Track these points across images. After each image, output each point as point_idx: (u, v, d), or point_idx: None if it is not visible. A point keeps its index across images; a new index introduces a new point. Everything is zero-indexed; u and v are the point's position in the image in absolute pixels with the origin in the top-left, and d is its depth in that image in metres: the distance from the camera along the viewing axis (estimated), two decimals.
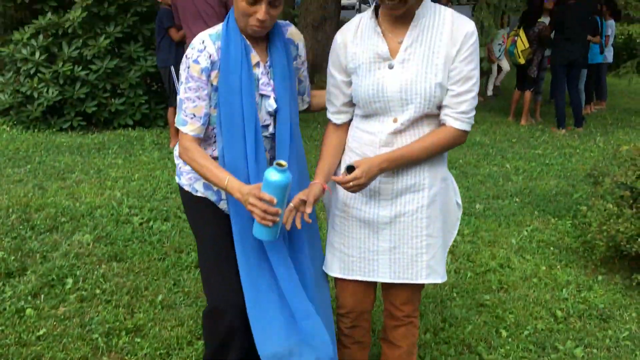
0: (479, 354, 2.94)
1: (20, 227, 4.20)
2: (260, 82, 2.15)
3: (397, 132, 2.05)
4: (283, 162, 1.90)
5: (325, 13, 9.68)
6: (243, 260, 2.15)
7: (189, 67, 2.07)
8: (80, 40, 7.39)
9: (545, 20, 8.69)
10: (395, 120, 2.05)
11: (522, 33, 8.27)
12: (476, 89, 2.02)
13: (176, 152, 2.27)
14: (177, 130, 2.18)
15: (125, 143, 6.80)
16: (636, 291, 3.63)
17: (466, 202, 5.14)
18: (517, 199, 5.33)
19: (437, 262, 2.18)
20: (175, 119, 2.14)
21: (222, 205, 2.29)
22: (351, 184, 1.97)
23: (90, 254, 3.86)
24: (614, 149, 5.07)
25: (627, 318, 3.34)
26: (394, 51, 2.03)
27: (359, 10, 11.44)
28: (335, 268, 2.28)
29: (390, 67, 2.02)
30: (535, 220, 4.81)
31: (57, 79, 7.30)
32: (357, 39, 2.08)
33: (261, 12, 2.00)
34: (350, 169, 1.99)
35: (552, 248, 4.27)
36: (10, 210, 4.48)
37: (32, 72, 7.28)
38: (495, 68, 11.07)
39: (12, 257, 3.71)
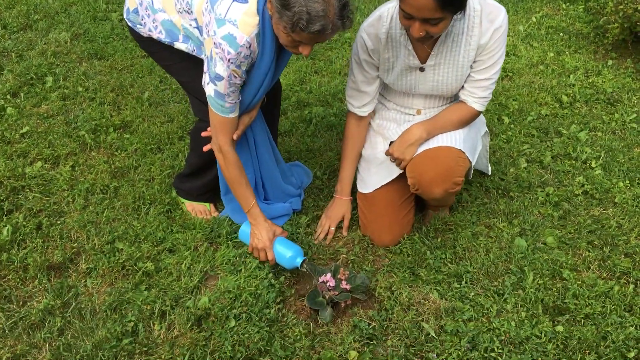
0: None
1: None
2: None
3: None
4: (305, 264, 2.05)
5: None
6: None
7: (231, 69, 1.82)
8: None
9: None
10: (418, 112, 2.24)
11: None
12: (497, 76, 2.09)
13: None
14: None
15: None
16: None
17: None
18: None
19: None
20: (213, 107, 1.94)
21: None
22: (402, 164, 2.13)
23: (69, 52, 3.61)
24: None
25: (635, 101, 3.20)
26: (424, 57, 2.07)
27: None
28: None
29: (422, 70, 2.09)
30: (546, 6, 4.47)
31: None
32: (389, 45, 2.07)
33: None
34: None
35: (561, 34, 4.00)
36: None
37: None
38: None
39: None
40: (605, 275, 2.12)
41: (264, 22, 1.80)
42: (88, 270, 2.11)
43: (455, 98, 2.22)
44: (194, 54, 2.03)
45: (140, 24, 2.07)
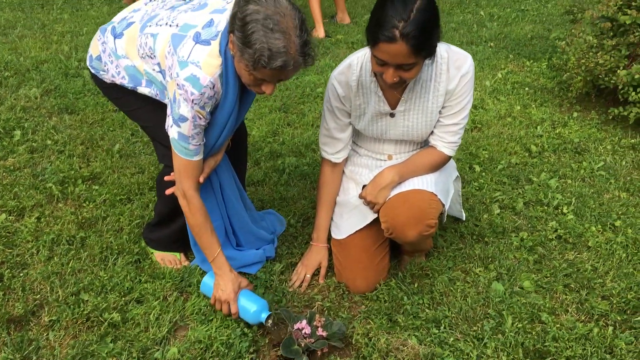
0: None
1: None
2: None
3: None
4: (271, 320, 1.96)
5: None
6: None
7: (195, 109, 1.80)
8: None
9: None
10: (390, 157, 2.25)
11: None
12: (465, 121, 2.13)
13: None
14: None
15: (70, 2, 6.24)
16: (611, 125, 3.55)
17: None
18: (491, 44, 5.10)
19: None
20: (177, 150, 1.90)
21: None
22: (375, 208, 2.14)
23: (38, 107, 3.58)
24: None
25: (602, 150, 3.27)
26: (394, 103, 2.10)
27: None
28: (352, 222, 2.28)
29: (392, 116, 2.12)
30: (510, 64, 4.62)
31: None
32: (359, 92, 2.11)
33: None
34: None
35: (526, 88, 4.12)
36: None
37: None
38: None
39: None
40: (583, 318, 2.09)
41: (226, 63, 1.80)
42: (50, 323, 2.00)
43: (425, 143, 2.24)
44: (157, 98, 2.02)
45: (104, 70, 2.06)
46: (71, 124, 3.40)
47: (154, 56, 1.89)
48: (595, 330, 2.00)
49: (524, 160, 3.16)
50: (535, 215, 2.67)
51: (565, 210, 2.69)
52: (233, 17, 1.70)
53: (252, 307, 1.97)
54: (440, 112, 2.11)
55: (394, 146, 2.24)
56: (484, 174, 3.02)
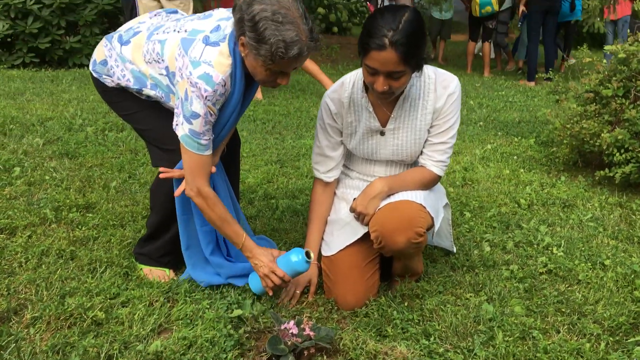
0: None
1: None
2: None
3: None
4: (312, 254, 2.10)
5: None
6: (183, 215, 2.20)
7: (207, 106, 1.92)
8: None
9: None
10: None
11: None
12: (453, 140, 2.21)
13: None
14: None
15: (80, 77, 6.53)
16: (598, 187, 3.63)
17: None
18: (481, 124, 5.31)
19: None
20: (188, 147, 1.97)
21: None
22: (365, 219, 2.15)
23: (40, 152, 3.67)
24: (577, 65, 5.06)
25: (590, 206, 3.33)
26: (384, 121, 2.19)
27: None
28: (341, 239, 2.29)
29: (382, 134, 2.21)
30: (499, 139, 4.79)
31: (7, 12, 6.96)
32: (351, 109, 2.21)
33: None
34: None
35: (515, 157, 4.26)
36: None
37: None
38: None
39: None
40: (575, 337, 2.05)
41: (235, 63, 1.92)
42: (33, 320, 1.95)
43: (414, 165, 2.31)
44: (161, 100, 2.11)
45: (107, 74, 2.17)
46: (70, 167, 3.46)
47: (162, 60, 2.00)
48: (587, 345, 1.96)
49: (514, 210, 3.22)
50: (526, 254, 2.68)
51: (555, 251, 2.71)
52: (240, 20, 1.84)
53: (291, 257, 2.08)
54: (428, 131, 2.20)
55: (384, 168, 2.30)
56: (474, 219, 3.06)
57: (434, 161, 2.22)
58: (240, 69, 1.94)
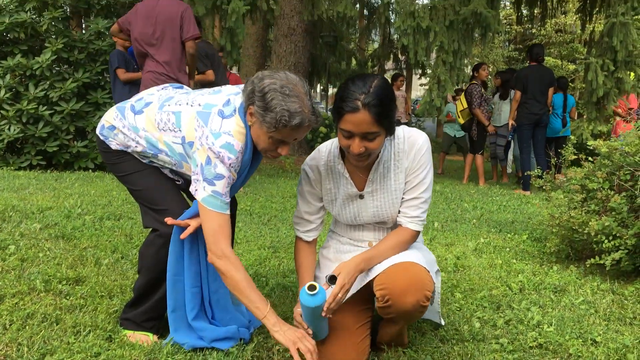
0: None
1: None
2: None
3: None
4: (316, 283, 2.02)
5: None
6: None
7: (231, 171, 2.09)
8: (48, 83, 7.48)
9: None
10: (370, 245, 2.35)
11: (462, 95, 8.79)
12: (427, 194, 2.25)
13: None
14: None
15: (84, 177, 6.70)
16: (590, 275, 3.63)
17: None
18: (474, 221, 5.38)
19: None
20: (211, 206, 2.07)
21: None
22: (340, 294, 2.08)
23: (37, 235, 3.72)
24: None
25: (581, 292, 3.32)
26: (362, 186, 2.28)
27: None
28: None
29: (361, 197, 2.28)
30: (492, 235, 4.84)
31: (20, 117, 7.29)
32: (329, 176, 2.31)
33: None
34: (332, 278, 2.11)
35: (507, 249, 4.29)
36: None
37: None
38: None
39: None
40: None
41: (246, 130, 2.09)
42: None
43: None
44: (174, 166, 2.24)
45: (112, 138, 2.29)
46: (65, 247, 3.50)
47: (178, 130, 2.15)
48: None
49: (505, 292, 3.20)
50: (516, 330, 2.65)
51: (546, 328, 2.68)
52: (251, 92, 2.03)
53: (310, 304, 1.99)
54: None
55: (372, 232, 2.35)
56: (464, 299, 3.04)
57: (409, 217, 2.25)
58: (250, 135, 2.10)
